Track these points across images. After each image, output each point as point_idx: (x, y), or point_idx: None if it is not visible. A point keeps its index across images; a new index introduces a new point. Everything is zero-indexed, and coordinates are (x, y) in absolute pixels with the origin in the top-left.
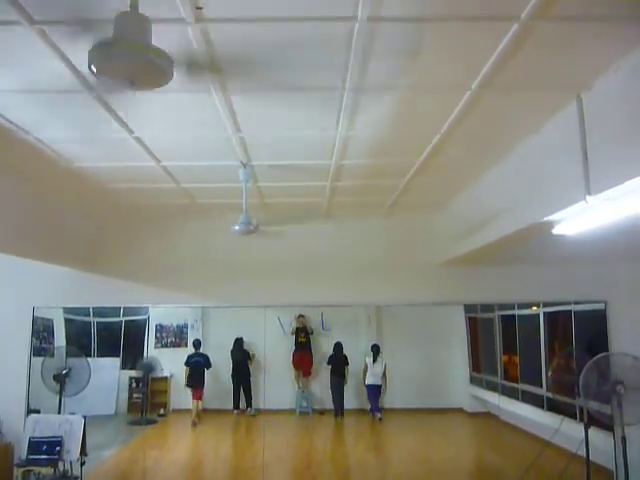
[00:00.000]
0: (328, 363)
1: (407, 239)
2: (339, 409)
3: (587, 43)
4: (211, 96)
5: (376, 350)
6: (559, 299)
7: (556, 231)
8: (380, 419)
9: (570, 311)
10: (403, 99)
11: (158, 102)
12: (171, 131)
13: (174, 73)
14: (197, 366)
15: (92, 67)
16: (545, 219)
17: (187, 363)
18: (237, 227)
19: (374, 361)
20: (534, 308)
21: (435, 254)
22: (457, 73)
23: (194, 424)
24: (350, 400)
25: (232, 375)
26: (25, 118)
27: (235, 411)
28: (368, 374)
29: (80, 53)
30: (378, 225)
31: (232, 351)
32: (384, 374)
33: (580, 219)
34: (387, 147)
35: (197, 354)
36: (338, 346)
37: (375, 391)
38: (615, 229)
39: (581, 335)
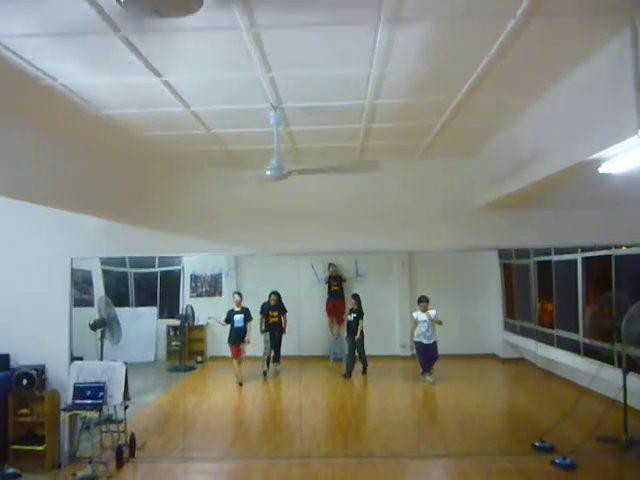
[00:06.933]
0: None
1: (443, 183)
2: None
3: None
4: (240, 32)
5: (425, 301)
6: (603, 243)
7: (603, 170)
8: (432, 382)
9: (610, 256)
10: (440, 31)
11: (185, 41)
12: (199, 73)
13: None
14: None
15: None
16: (593, 156)
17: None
18: (269, 172)
19: (423, 314)
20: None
21: (472, 198)
22: None
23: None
24: (386, 347)
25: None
26: (50, 63)
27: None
28: (417, 331)
29: None
30: (412, 169)
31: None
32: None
33: (631, 156)
34: (423, 84)
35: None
36: (355, 297)
37: (426, 351)
38: None
39: (621, 280)
